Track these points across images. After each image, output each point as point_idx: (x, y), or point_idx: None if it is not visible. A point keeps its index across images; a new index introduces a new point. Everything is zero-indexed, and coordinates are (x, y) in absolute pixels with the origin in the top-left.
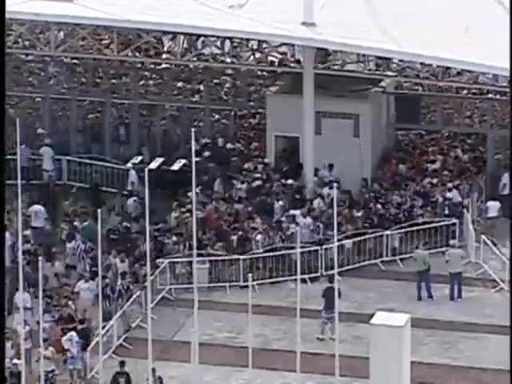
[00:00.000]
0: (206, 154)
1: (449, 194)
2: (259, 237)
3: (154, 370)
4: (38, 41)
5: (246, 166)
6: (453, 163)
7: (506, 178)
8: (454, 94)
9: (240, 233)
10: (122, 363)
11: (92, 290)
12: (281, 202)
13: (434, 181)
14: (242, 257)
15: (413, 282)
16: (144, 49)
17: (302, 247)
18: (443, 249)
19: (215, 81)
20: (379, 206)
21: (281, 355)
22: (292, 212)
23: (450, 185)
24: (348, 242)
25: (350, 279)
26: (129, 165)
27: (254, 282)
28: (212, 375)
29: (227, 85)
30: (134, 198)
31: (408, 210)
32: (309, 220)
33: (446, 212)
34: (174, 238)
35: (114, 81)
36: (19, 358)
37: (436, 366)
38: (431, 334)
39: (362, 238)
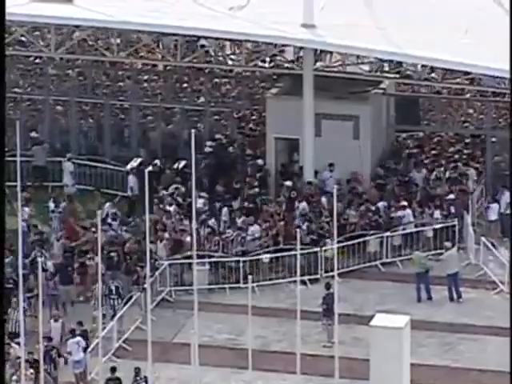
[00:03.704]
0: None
1: (400, 213)
2: (188, 239)
3: (138, 369)
4: (38, 43)
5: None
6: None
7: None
8: (453, 95)
9: (167, 236)
10: (113, 369)
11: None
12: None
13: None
14: (242, 258)
15: (412, 284)
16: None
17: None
18: (443, 250)
19: (216, 80)
20: (326, 220)
21: (281, 357)
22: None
23: (403, 203)
24: (266, 257)
25: (349, 281)
26: (128, 167)
27: (254, 284)
28: (212, 377)
29: (227, 86)
30: (110, 203)
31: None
32: (256, 228)
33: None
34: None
35: (112, 82)
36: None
37: (436, 367)
38: (431, 335)
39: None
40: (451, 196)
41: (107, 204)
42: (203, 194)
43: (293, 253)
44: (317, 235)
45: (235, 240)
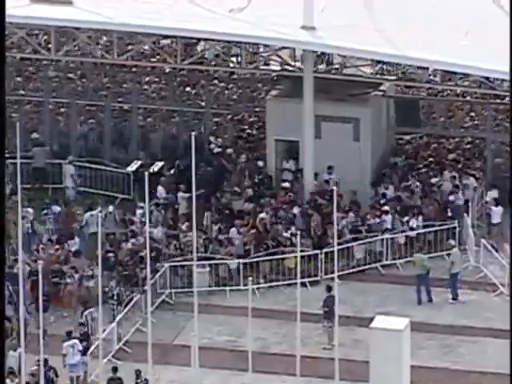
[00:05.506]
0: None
1: (381, 218)
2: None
3: (139, 372)
4: (39, 45)
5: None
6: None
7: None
8: (453, 97)
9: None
10: (115, 369)
11: None
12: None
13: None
14: (242, 260)
15: (412, 286)
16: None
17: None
18: (443, 252)
19: (214, 82)
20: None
21: (280, 359)
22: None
23: (385, 208)
24: (233, 263)
25: (349, 283)
26: (128, 169)
27: (254, 286)
28: (212, 379)
29: (227, 91)
30: (92, 213)
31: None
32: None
33: (450, 214)
34: None
35: (111, 84)
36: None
37: (436, 369)
38: (431, 337)
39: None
40: (451, 198)
41: (87, 214)
42: (141, 204)
43: (292, 255)
44: (276, 243)
45: (197, 243)
